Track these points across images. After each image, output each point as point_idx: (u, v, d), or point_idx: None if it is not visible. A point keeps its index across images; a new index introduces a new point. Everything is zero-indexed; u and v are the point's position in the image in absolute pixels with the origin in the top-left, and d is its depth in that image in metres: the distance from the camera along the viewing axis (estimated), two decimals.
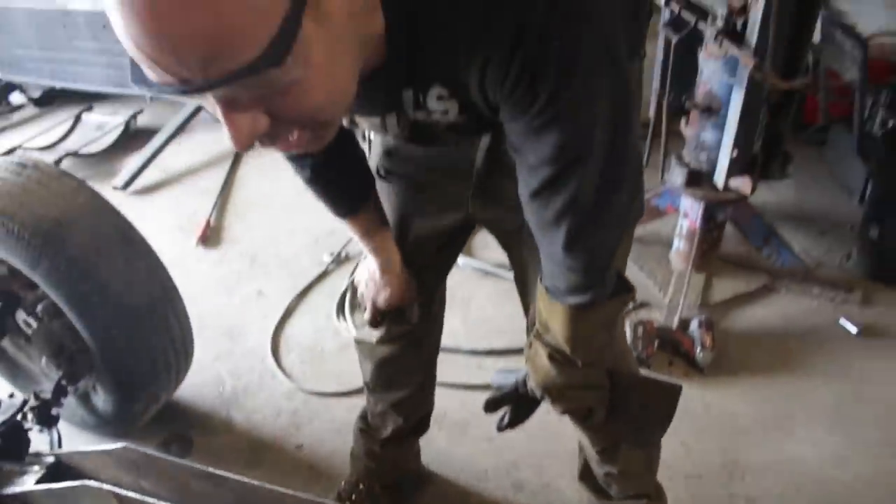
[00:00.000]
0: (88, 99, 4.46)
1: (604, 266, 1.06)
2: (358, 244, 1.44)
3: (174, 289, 1.95)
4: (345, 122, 1.13)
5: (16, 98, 4.83)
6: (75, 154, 3.85)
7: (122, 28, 0.61)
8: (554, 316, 1.11)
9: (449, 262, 1.57)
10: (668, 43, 2.32)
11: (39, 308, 1.93)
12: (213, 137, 3.93)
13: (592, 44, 0.81)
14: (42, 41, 4.14)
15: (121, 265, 1.83)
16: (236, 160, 3.69)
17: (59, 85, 4.36)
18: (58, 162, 3.73)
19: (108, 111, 4.36)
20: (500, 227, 1.39)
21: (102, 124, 4.23)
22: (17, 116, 4.73)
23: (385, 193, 1.41)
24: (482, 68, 0.83)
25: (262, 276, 2.84)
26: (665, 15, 2.33)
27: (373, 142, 1.44)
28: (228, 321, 2.59)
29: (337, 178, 1.32)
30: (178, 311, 1.96)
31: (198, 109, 3.78)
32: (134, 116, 4.16)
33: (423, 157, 1.34)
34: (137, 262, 1.87)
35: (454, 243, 1.51)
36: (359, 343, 1.63)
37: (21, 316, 2.00)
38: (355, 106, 0.90)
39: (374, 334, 1.53)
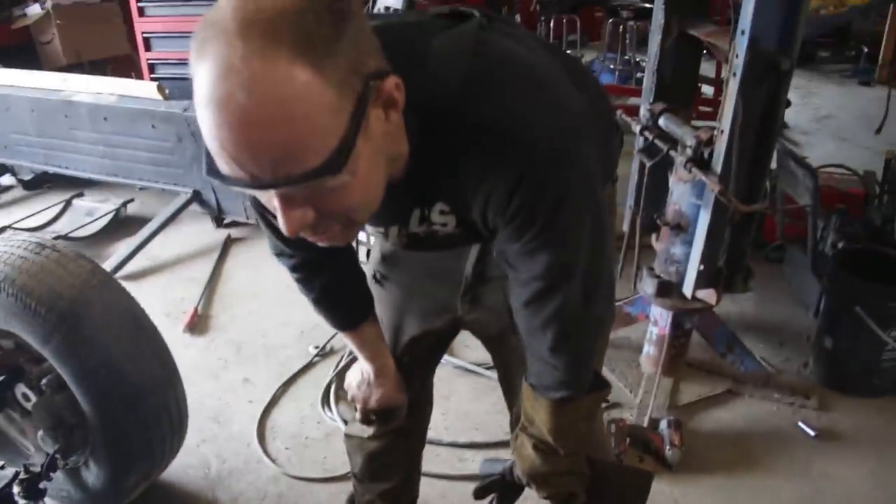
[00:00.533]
0: (79, 185, 4.59)
1: (583, 365, 1.21)
2: (348, 346, 1.57)
3: (176, 371, 2.05)
4: None
5: (5, 179, 4.95)
6: (65, 237, 3.95)
7: (210, 127, 0.75)
8: (538, 410, 1.25)
9: (436, 360, 1.70)
10: (642, 167, 2.55)
11: (44, 381, 2.00)
12: (201, 229, 4.07)
13: (578, 185, 1.00)
14: (41, 128, 4.30)
15: (129, 345, 1.93)
16: (224, 252, 3.82)
17: (52, 170, 4.49)
18: None
19: (99, 198, 4.48)
20: (485, 331, 1.51)
21: (93, 210, 4.33)
22: (4, 197, 4.84)
23: (380, 298, 1.52)
24: (486, 199, 1.01)
25: (248, 364, 2.92)
26: (639, 142, 2.57)
27: (371, 249, 1.59)
28: (215, 406, 2.66)
29: (342, 297, 1.44)
30: (178, 392, 2.05)
31: (188, 202, 3.92)
32: (124, 204, 4.28)
33: (417, 264, 1.47)
34: (145, 343, 1.98)
35: (442, 343, 1.64)
36: (349, 437, 1.71)
37: (20, 389, 2.07)
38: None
39: (365, 430, 1.63)
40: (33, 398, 2.04)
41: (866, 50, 7.83)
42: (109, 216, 4.18)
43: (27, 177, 4.83)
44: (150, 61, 4.56)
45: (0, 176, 4.91)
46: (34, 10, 5.32)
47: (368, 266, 1.56)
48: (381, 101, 0.84)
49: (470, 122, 0.94)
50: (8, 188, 4.93)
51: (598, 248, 1.08)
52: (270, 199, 0.83)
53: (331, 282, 1.40)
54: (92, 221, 4.18)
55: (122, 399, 1.91)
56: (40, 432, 2.04)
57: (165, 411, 2.01)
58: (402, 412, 1.59)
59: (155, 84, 3.74)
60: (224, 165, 0.78)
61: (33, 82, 4.21)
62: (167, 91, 3.74)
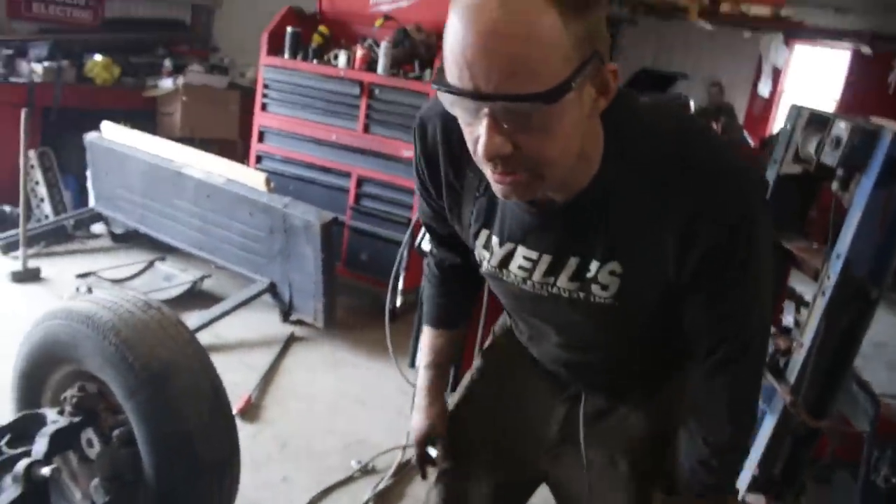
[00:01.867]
0: (162, 249, 4.81)
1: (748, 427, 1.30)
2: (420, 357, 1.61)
3: (238, 454, 2.11)
4: (492, 265, 1.26)
5: (97, 228, 5.23)
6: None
7: (457, 31, 0.88)
8: None
9: None
10: None
11: (115, 433, 2.09)
12: (268, 320, 4.20)
13: (768, 233, 1.11)
14: (146, 190, 4.58)
15: (206, 418, 2.01)
16: (285, 348, 3.93)
17: (144, 230, 4.75)
18: None
19: (179, 266, 4.67)
20: (566, 490, 1.50)
21: (171, 276, 4.53)
22: (92, 244, 5.10)
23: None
24: (688, 236, 1.05)
25: (290, 463, 2.96)
26: None
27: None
28: (251, 498, 2.68)
29: (459, 291, 1.55)
30: (235, 474, 2.11)
31: (263, 291, 4.07)
32: (202, 278, 4.45)
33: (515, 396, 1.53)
34: (219, 419, 2.06)
35: (515, 496, 1.60)
36: None
37: (87, 434, 2.15)
38: (523, 231, 1.17)
39: None
40: (98, 446, 2.12)
41: None
42: (186, 286, 4.35)
43: (118, 230, 5.10)
44: (258, 152, 4.87)
45: (94, 223, 5.20)
46: (166, 84, 5.76)
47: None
48: (598, 80, 0.95)
49: (680, 158, 1.04)
50: (97, 236, 5.20)
51: (769, 302, 1.20)
52: (478, 123, 0.93)
53: (456, 283, 1.53)
54: (169, 287, 4.36)
55: (186, 468, 1.97)
56: (95, 481, 2.10)
57: (218, 491, 2.07)
58: (439, 452, 1.59)
59: (264, 176, 3.99)
60: (454, 74, 0.90)
61: (152, 148, 4.52)
62: (272, 185, 3.98)
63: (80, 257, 4.81)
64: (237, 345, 3.92)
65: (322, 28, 4.61)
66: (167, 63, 5.95)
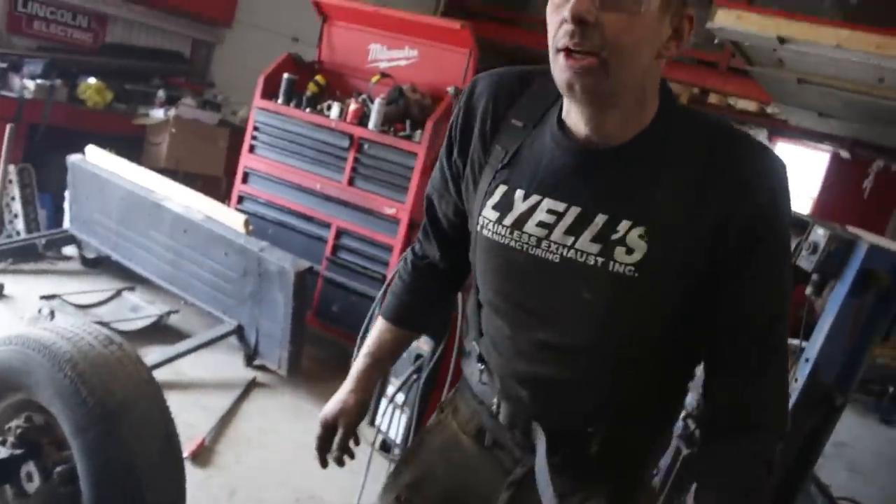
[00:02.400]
0: (132, 279, 4.74)
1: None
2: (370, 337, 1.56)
3: (184, 499, 2.05)
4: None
5: (69, 250, 5.15)
6: (105, 325, 4.03)
7: None
8: None
9: None
10: (677, 452, 2.59)
11: (57, 469, 2.01)
12: (230, 362, 4.12)
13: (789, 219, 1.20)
14: (123, 218, 4.54)
15: (155, 461, 1.95)
16: (245, 392, 3.84)
17: (116, 258, 4.68)
18: None
19: (148, 298, 4.61)
20: None
21: (138, 307, 4.45)
22: (62, 266, 5.01)
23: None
24: (728, 207, 1.11)
25: None
26: (680, 426, 2.62)
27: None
28: None
29: (426, 294, 1.53)
30: None
31: (230, 333, 4.02)
32: (169, 313, 4.37)
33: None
34: (169, 464, 2.00)
35: None
36: None
37: (28, 468, 2.07)
38: (556, 179, 1.18)
39: None
40: (38, 482, 2.04)
41: (892, 390, 7.91)
42: (152, 319, 4.27)
43: (90, 255, 5.02)
44: (241, 193, 4.85)
45: (66, 245, 5.12)
46: (158, 114, 5.75)
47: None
48: (677, 19, 1.09)
49: (728, 131, 1.17)
50: (68, 258, 5.11)
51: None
52: (567, 4, 1.04)
53: (427, 285, 1.52)
54: (135, 318, 4.28)
55: None
56: None
57: None
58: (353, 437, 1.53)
59: (244, 218, 3.97)
60: None
61: (134, 176, 4.49)
62: (251, 228, 3.96)
63: (48, 278, 4.72)
64: (197, 384, 3.84)
65: (318, 77, 4.65)
66: (161, 93, 5.95)
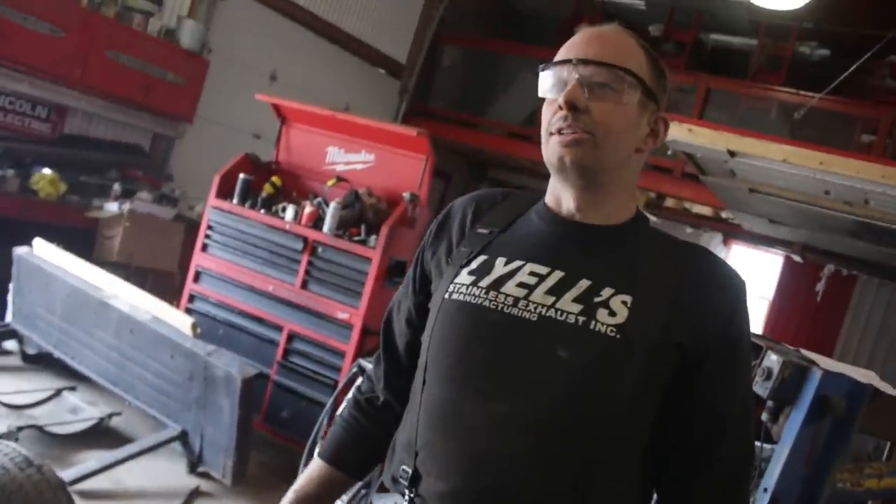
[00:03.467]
0: (75, 377, 4.54)
1: None
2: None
3: None
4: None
5: (9, 345, 4.94)
6: (39, 428, 3.84)
7: (570, 40, 1.24)
8: None
9: None
10: None
11: None
12: (173, 469, 3.93)
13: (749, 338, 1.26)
14: (67, 315, 4.40)
15: None
16: (188, 501, 3.66)
17: (58, 355, 4.50)
18: (20, 429, 3.73)
19: (89, 399, 4.42)
20: None
21: (78, 409, 4.25)
22: (1, 361, 4.79)
23: None
24: (696, 300, 1.17)
25: None
26: None
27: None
28: None
29: (366, 432, 1.42)
30: None
31: (173, 438, 3.84)
32: (110, 415, 4.19)
33: None
34: None
35: None
36: None
37: None
38: (540, 247, 1.22)
39: None
40: None
41: None
42: (92, 422, 4.08)
43: (31, 350, 4.82)
44: (192, 292, 4.75)
45: (6, 339, 4.91)
46: (111, 207, 5.67)
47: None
48: (653, 120, 1.25)
49: (694, 247, 1.26)
50: (8, 353, 4.90)
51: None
52: (562, 93, 1.19)
53: (368, 426, 1.43)
54: (73, 421, 4.08)
55: None
56: None
57: None
58: None
59: (191, 321, 3.85)
60: (559, 56, 1.23)
61: (80, 272, 4.37)
62: (199, 331, 3.84)
63: None
64: (137, 494, 3.64)
65: (275, 178, 4.63)
66: (116, 186, 5.88)
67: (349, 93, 8.45)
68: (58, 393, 4.39)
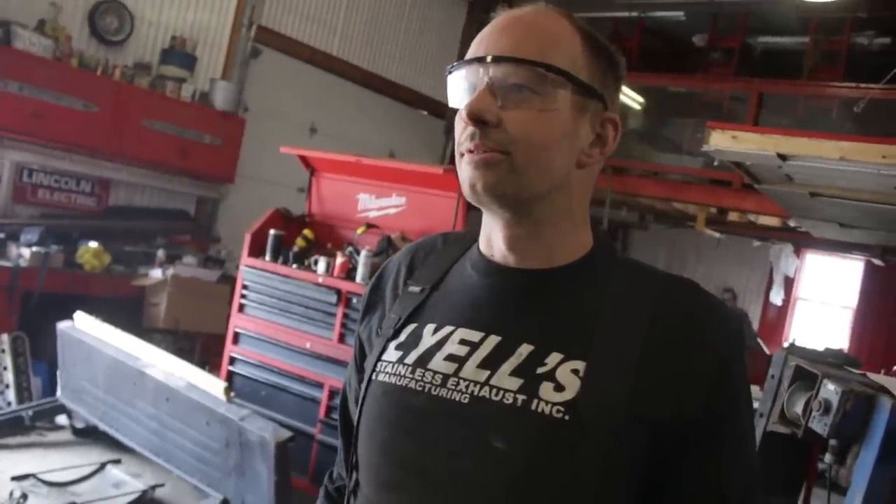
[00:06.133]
0: (122, 449, 4.47)
1: None
2: None
3: None
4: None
5: (61, 419, 4.93)
6: None
7: (482, 31, 0.98)
8: None
9: None
10: None
11: None
12: None
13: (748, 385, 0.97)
14: (109, 387, 4.34)
15: None
16: None
17: (104, 428, 4.45)
18: None
19: (134, 470, 4.32)
20: None
21: (121, 483, 4.16)
22: (52, 437, 4.77)
23: None
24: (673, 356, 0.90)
25: None
26: None
27: None
28: None
29: None
30: None
31: None
32: (154, 487, 4.09)
33: None
34: None
35: None
36: None
37: None
38: (471, 306, 0.98)
39: None
40: None
41: None
42: (135, 495, 3.99)
43: (80, 424, 4.80)
44: (232, 354, 4.64)
45: (57, 414, 4.91)
46: (156, 274, 5.67)
47: None
48: (597, 123, 0.98)
49: (670, 278, 0.99)
50: (60, 428, 4.89)
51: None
52: (480, 84, 0.93)
53: None
54: (116, 496, 4.00)
55: None
56: None
57: None
58: None
59: (223, 385, 3.73)
60: (471, 50, 0.96)
61: (119, 342, 4.32)
62: (232, 395, 3.71)
63: (32, 452, 4.46)
64: None
65: (307, 231, 4.52)
66: (160, 253, 5.89)
67: (392, 137, 8.39)
68: (102, 467, 4.32)
